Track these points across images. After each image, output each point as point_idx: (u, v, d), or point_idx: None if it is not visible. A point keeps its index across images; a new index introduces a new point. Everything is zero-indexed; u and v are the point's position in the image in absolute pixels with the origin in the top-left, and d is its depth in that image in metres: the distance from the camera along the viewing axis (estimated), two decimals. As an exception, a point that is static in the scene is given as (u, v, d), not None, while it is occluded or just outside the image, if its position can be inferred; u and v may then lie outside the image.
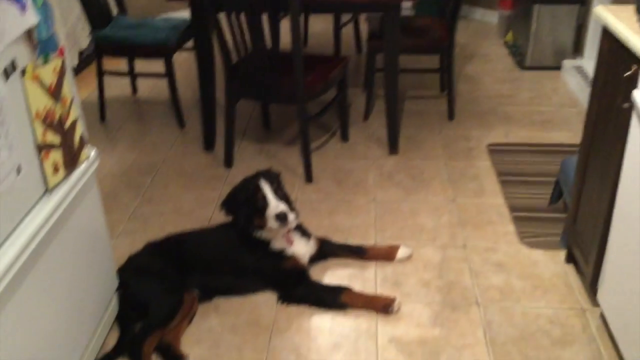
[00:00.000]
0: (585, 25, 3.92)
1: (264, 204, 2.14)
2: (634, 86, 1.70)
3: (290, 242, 2.21)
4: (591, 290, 2.10)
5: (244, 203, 2.17)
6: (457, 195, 2.78)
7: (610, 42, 1.87)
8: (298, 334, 2.04)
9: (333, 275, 2.30)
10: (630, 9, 1.87)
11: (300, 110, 2.79)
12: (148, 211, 2.72)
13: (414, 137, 3.32)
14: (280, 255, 2.19)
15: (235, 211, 2.21)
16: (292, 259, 2.19)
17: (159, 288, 2.06)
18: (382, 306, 2.10)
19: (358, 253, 2.37)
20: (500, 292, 2.20)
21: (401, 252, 2.36)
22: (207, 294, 2.18)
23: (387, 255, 2.36)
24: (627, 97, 1.73)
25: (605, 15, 1.87)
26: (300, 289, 2.16)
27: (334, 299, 2.12)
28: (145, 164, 3.11)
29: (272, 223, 2.12)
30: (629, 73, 1.70)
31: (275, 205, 2.13)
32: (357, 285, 2.23)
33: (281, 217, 2.11)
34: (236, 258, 2.20)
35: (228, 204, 2.24)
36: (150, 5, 4.55)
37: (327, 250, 2.36)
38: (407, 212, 2.67)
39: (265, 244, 2.19)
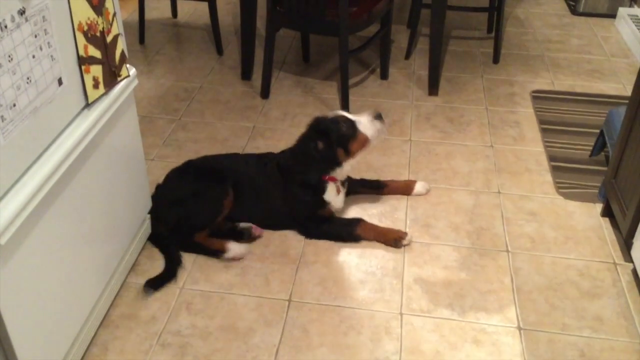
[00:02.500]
0: (647, -29, 3.70)
1: (350, 124, 2.07)
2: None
3: (339, 192, 2.17)
4: (625, 245, 2.06)
5: (325, 138, 2.05)
6: (495, 140, 2.72)
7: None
8: (325, 268, 2.06)
9: (364, 213, 2.30)
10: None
11: (342, 42, 2.73)
12: (182, 137, 2.73)
13: (456, 79, 3.23)
14: (323, 204, 2.14)
15: (314, 155, 2.07)
16: (329, 209, 2.17)
17: (204, 189, 2.10)
18: (393, 239, 2.12)
19: (376, 188, 2.37)
20: (531, 240, 2.17)
21: (418, 187, 2.36)
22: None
23: (404, 189, 2.37)
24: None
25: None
26: (322, 227, 2.17)
27: (349, 233, 2.14)
28: (182, 90, 3.10)
29: (373, 127, 2.08)
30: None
31: (362, 117, 2.10)
32: (386, 226, 2.23)
33: (379, 116, 2.09)
34: (275, 195, 2.15)
35: (307, 150, 2.08)
36: None
37: (349, 188, 2.33)
38: (443, 155, 2.63)
39: (319, 192, 2.12)
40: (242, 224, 2.14)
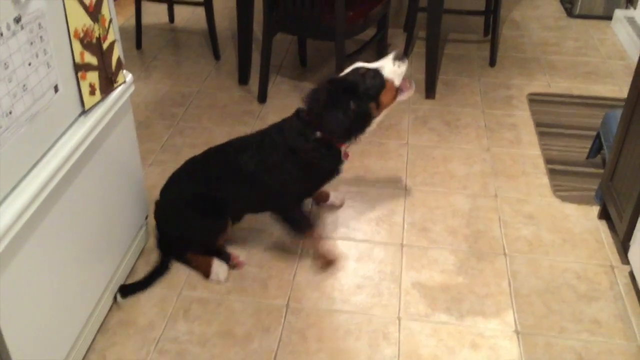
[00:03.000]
0: (642, -26, 3.72)
1: (374, 73, 1.85)
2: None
3: (348, 157, 1.97)
4: (622, 248, 2.07)
5: (353, 96, 1.82)
6: (492, 144, 2.73)
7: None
8: (322, 273, 2.05)
9: (361, 217, 2.30)
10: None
11: (339, 47, 2.73)
12: (180, 142, 2.73)
13: (453, 82, 3.24)
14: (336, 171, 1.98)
15: (347, 120, 1.82)
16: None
17: (201, 222, 1.99)
18: (325, 263, 2.08)
19: None
20: (528, 243, 2.17)
21: (332, 197, 2.33)
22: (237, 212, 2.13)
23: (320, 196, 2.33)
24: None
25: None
26: (299, 208, 2.07)
27: (300, 229, 2.05)
28: (179, 95, 3.10)
29: (398, 70, 1.86)
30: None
31: (384, 61, 1.87)
32: (384, 230, 2.23)
33: (400, 57, 1.87)
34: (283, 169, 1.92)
35: (337, 116, 1.81)
36: None
37: None
38: (440, 158, 2.63)
39: (339, 158, 1.93)
40: (226, 250, 2.10)
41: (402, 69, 1.87)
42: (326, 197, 2.33)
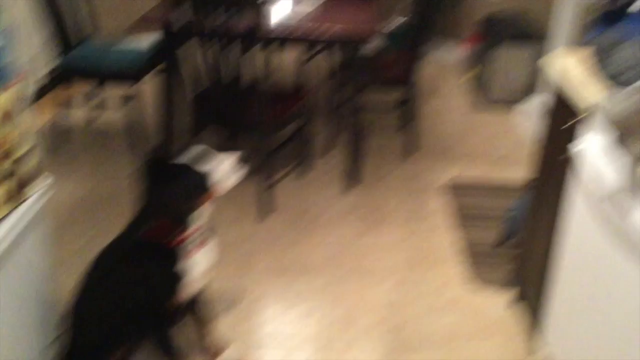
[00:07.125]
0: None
1: (203, 172, 1.76)
2: (573, 138, 1.76)
3: (193, 253, 1.77)
4: (537, 330, 2.14)
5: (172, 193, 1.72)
6: (411, 233, 2.82)
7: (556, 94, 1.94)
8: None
9: (286, 312, 2.30)
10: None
11: (263, 143, 2.82)
12: (104, 242, 2.67)
13: (373, 173, 3.35)
14: (178, 280, 1.76)
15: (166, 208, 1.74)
16: (179, 297, 1.79)
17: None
18: None
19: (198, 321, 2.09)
20: (449, 332, 2.22)
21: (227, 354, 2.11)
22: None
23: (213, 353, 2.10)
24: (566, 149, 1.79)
25: (552, 62, 1.95)
26: (166, 331, 1.86)
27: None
28: (104, 194, 3.08)
29: (231, 177, 1.79)
30: (565, 126, 1.77)
31: (219, 159, 1.79)
32: (308, 326, 2.24)
33: (241, 160, 1.82)
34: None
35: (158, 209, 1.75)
36: (124, 25, 4.52)
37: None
38: (363, 248, 2.70)
39: (173, 260, 1.76)
40: None
41: (234, 177, 1.83)
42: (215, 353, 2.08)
